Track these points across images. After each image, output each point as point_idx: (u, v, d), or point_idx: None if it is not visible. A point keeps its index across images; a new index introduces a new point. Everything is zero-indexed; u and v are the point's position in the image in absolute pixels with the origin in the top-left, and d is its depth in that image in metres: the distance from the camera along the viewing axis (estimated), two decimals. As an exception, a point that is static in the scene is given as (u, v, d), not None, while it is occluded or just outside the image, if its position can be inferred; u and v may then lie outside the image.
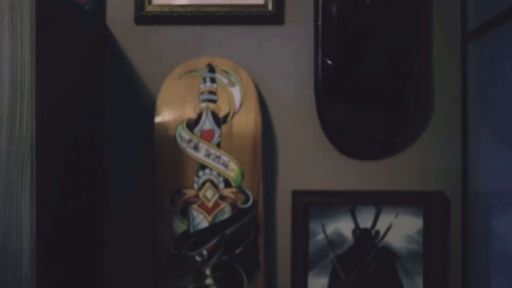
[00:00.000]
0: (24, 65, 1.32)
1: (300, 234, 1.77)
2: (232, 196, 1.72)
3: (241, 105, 1.75)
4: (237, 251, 1.72)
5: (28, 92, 1.32)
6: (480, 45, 1.64)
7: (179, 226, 1.72)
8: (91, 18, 1.75)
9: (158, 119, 1.74)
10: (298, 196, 1.78)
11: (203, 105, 1.75)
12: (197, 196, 1.73)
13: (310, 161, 1.80)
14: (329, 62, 1.74)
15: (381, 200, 1.77)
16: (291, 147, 1.81)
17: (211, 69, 1.77)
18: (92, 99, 1.74)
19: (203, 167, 1.73)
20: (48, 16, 1.38)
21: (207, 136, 1.73)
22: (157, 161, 1.72)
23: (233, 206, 1.72)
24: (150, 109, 1.77)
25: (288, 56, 1.81)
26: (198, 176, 1.73)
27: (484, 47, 1.62)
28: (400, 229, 1.77)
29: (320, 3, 1.75)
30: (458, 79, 1.77)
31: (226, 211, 1.73)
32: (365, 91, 1.76)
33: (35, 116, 1.32)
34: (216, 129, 1.73)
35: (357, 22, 1.76)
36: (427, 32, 1.78)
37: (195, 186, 1.73)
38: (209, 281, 1.72)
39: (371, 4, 1.74)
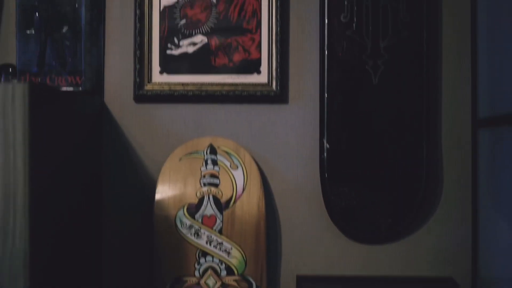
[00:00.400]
0: (17, 177, 1.25)
1: (305, 321, 1.71)
2: (234, 284, 1.66)
3: (243, 189, 1.69)
4: None
5: (21, 205, 1.25)
6: (491, 133, 1.58)
7: (180, 315, 1.67)
8: (87, 101, 1.69)
9: (158, 204, 1.68)
10: (302, 281, 1.72)
11: (205, 189, 1.69)
12: (198, 284, 1.67)
13: (315, 245, 1.74)
14: (327, 145, 1.67)
15: (388, 286, 1.72)
16: (295, 230, 1.75)
17: (213, 150, 1.71)
18: (89, 183, 1.68)
19: (204, 253, 1.67)
20: (41, 119, 1.31)
21: (208, 222, 1.67)
22: (157, 248, 1.66)
23: (236, 294, 1.67)
24: (150, 191, 1.71)
25: (292, 136, 1.75)
26: (199, 263, 1.67)
27: (495, 135, 1.56)
28: (408, 316, 1.72)
29: (325, 83, 1.69)
30: (468, 163, 1.71)
31: (228, 300, 1.67)
32: (373, 174, 1.70)
33: (29, 230, 1.26)
34: (218, 214, 1.67)
35: (364, 103, 1.69)
36: (436, 115, 1.72)
37: (196, 273, 1.67)
38: None
39: (379, 85, 1.68)
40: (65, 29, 1.70)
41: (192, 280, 1.67)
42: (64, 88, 1.69)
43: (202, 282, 1.67)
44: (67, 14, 1.70)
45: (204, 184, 1.69)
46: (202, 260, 1.67)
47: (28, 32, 1.70)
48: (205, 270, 1.67)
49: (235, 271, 1.67)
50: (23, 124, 1.26)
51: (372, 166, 1.69)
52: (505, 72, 1.49)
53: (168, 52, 1.75)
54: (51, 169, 1.38)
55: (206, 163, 1.71)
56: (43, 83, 1.38)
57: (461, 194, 1.72)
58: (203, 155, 1.71)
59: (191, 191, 1.69)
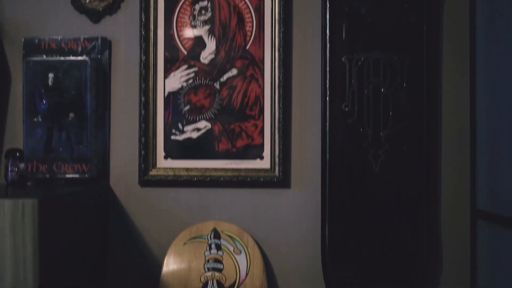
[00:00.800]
0: (26, 290, 1.29)
1: None
2: None
3: (246, 274, 1.72)
4: None
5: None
6: (490, 227, 1.61)
7: None
8: (93, 189, 1.72)
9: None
10: None
11: (209, 274, 1.72)
12: None
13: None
14: (328, 229, 1.71)
15: None
16: (298, 315, 1.78)
17: (216, 234, 1.75)
18: (94, 267, 1.71)
19: (208, 338, 1.70)
20: (50, 228, 1.35)
21: (212, 307, 1.71)
22: (162, 332, 1.70)
23: None
24: (155, 274, 1.74)
25: (295, 219, 1.78)
26: None
27: (494, 231, 1.59)
28: None
29: (327, 169, 1.72)
30: (467, 250, 1.73)
31: None
32: (374, 257, 1.72)
33: None
34: (222, 299, 1.71)
35: (366, 189, 1.72)
36: (436, 203, 1.75)
37: None
38: None
39: (380, 173, 1.71)
40: (71, 116, 1.73)
41: None
42: (70, 175, 1.72)
43: None
44: (73, 101, 1.73)
45: (208, 269, 1.72)
46: None
47: (35, 119, 1.73)
48: None
49: None
50: (33, 240, 1.29)
51: (373, 249, 1.72)
52: (504, 167, 1.52)
53: (173, 137, 1.78)
54: (59, 270, 1.42)
55: (210, 248, 1.74)
56: (52, 197, 1.41)
57: (460, 279, 1.75)
58: (207, 240, 1.75)
59: (196, 275, 1.72)
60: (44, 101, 1.74)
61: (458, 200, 1.74)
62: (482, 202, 1.66)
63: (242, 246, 1.74)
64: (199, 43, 1.78)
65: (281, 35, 1.75)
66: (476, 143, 1.70)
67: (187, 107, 1.78)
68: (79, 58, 1.74)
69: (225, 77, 1.77)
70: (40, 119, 1.74)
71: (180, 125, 1.78)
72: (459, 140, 1.75)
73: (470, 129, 1.73)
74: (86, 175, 1.73)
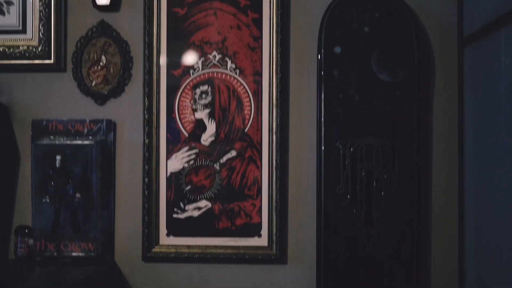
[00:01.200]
0: None
1: None
2: None
3: None
4: None
5: None
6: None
7: None
8: (99, 266, 1.80)
9: None
10: None
11: None
12: None
13: None
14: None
15: None
16: None
17: (217, 309, 1.83)
18: None
19: None
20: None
21: None
22: None
23: None
24: None
25: (292, 296, 1.87)
26: None
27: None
28: None
29: (322, 247, 1.79)
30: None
31: None
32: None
33: None
34: None
35: (359, 266, 1.79)
36: (425, 283, 1.83)
37: None
38: None
39: (372, 252, 1.78)
40: (77, 196, 1.81)
41: None
42: (76, 254, 1.80)
43: None
44: (79, 182, 1.81)
45: None
46: None
47: (43, 199, 1.81)
48: None
49: None
50: None
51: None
52: (489, 251, 1.60)
53: (175, 216, 1.86)
54: None
55: (210, 323, 1.82)
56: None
57: None
58: (207, 314, 1.83)
59: None
60: (52, 182, 1.82)
61: (447, 280, 1.82)
62: (469, 283, 1.74)
63: (241, 321, 1.83)
64: (199, 125, 1.86)
65: (278, 119, 1.83)
66: (464, 226, 1.78)
67: (189, 187, 1.86)
68: (85, 142, 1.82)
69: (224, 158, 1.85)
70: (48, 200, 1.82)
71: (181, 204, 1.86)
72: (449, 221, 1.83)
73: (459, 211, 1.81)
74: (92, 254, 1.81)
